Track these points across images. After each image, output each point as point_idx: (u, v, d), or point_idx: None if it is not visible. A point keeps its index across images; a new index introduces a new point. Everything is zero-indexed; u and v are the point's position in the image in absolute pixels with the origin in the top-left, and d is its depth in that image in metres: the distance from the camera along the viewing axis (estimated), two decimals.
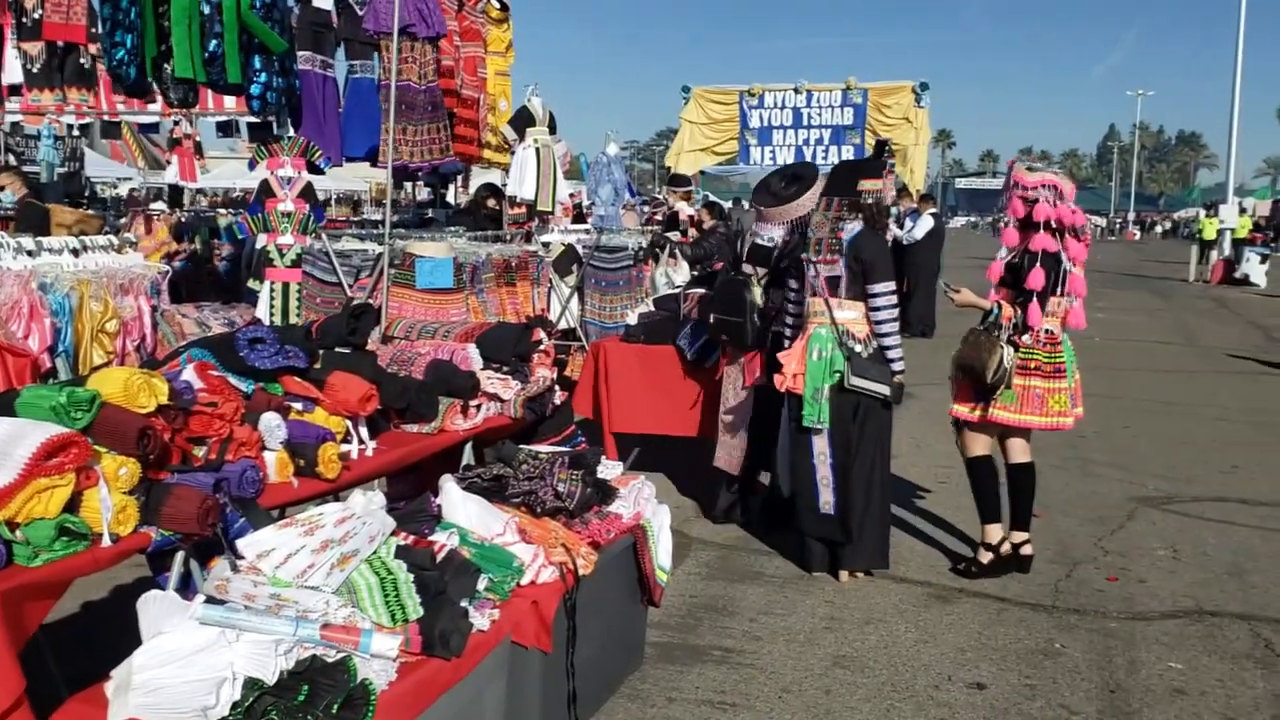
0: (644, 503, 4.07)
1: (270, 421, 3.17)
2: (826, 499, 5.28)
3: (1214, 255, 29.36)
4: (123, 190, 28.02)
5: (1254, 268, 26.93)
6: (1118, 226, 71.66)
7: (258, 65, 7.30)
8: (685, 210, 11.84)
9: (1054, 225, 5.04)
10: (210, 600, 2.64)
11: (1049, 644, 4.62)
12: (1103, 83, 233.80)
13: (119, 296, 5.12)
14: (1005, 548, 5.39)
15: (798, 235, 5.54)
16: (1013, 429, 5.29)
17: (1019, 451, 5.39)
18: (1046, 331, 5.13)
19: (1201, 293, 25.09)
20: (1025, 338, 5.13)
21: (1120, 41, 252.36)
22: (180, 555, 2.84)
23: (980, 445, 5.39)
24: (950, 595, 5.18)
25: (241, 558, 2.76)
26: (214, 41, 6.94)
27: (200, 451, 3.01)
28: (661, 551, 4.11)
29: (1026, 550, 5.44)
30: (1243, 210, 33.78)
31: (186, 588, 2.90)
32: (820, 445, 5.27)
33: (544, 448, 4.05)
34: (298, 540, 2.76)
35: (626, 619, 4.09)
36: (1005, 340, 5.11)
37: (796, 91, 17.24)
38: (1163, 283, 27.99)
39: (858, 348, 5.17)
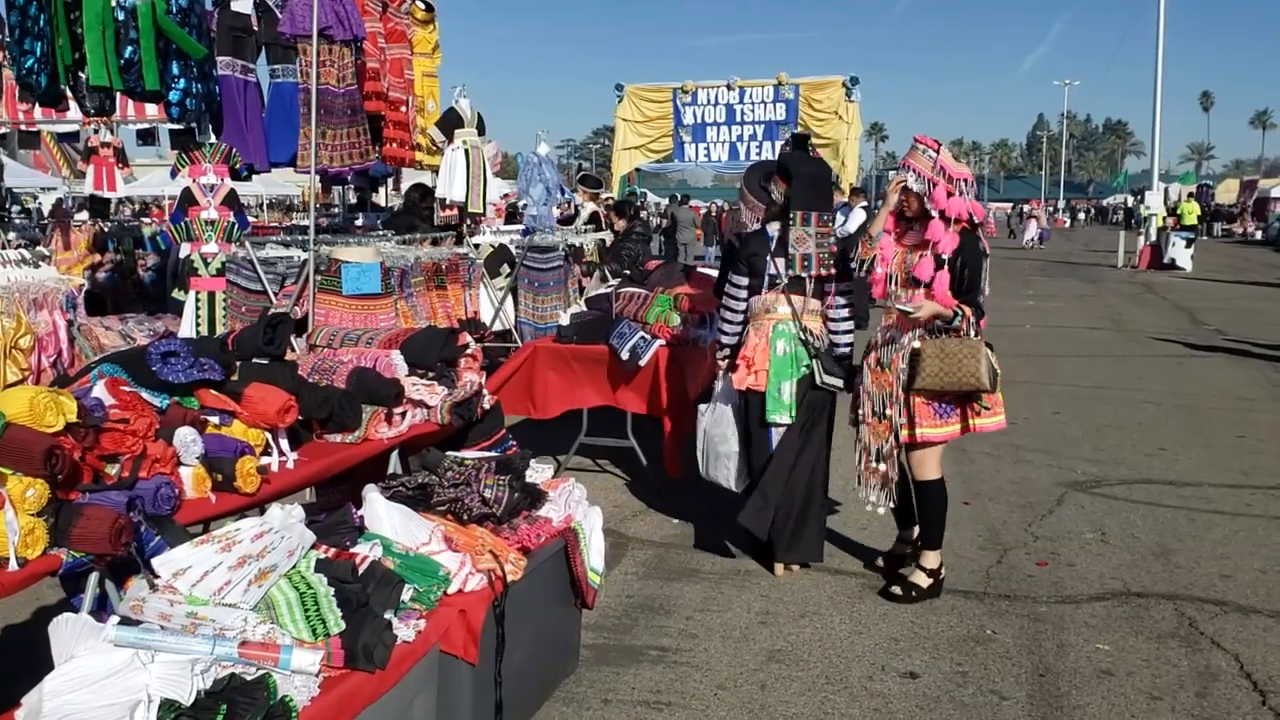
0: (574, 505, 4.05)
1: (185, 436, 3.10)
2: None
3: (1140, 241, 29.96)
4: (46, 200, 27.34)
5: (1180, 252, 27.54)
6: (1048, 214, 72.79)
7: (176, 71, 7.16)
8: (590, 209, 11.94)
9: (974, 221, 4.90)
10: (125, 621, 2.59)
11: (980, 630, 4.69)
12: (1031, 74, 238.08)
13: (32, 312, 4.99)
14: (944, 573, 5.13)
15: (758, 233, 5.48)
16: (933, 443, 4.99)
17: (935, 466, 5.07)
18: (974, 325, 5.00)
19: (1129, 278, 25.58)
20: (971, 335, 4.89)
21: (1048, 33, 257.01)
22: (94, 576, 2.77)
23: (937, 465, 5.06)
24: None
25: (157, 576, 2.71)
26: (130, 48, 6.79)
27: (113, 470, 2.93)
28: (593, 554, 4.10)
29: (941, 574, 5.15)
30: (1191, 196, 34.58)
31: (103, 609, 2.83)
32: (775, 441, 5.34)
33: (471, 453, 4.02)
34: (214, 557, 2.71)
35: (560, 622, 4.07)
36: (983, 341, 4.84)
37: (729, 88, 17.30)
38: (1092, 269, 28.53)
39: (817, 344, 5.26)
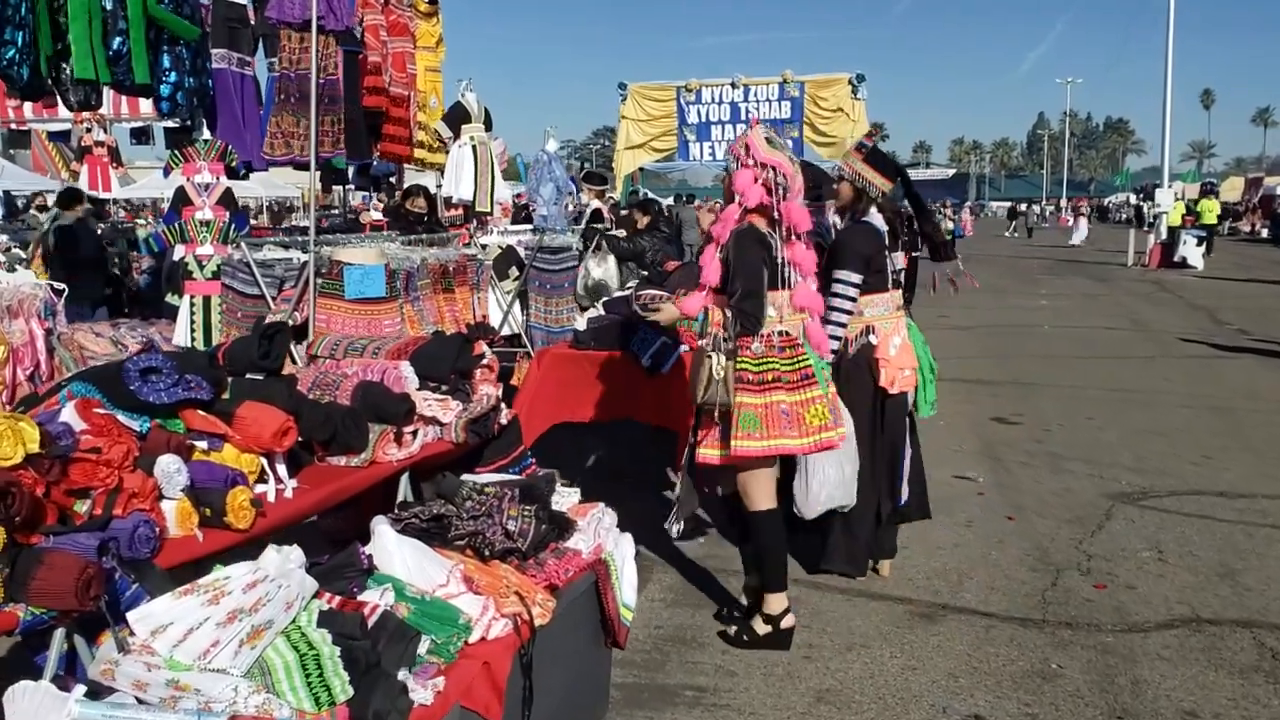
0: (604, 533, 3.64)
1: (168, 465, 2.70)
2: (902, 489, 5.18)
3: (1150, 239, 29.56)
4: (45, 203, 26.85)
5: (1191, 250, 27.15)
6: (1049, 213, 72.38)
7: (167, 64, 6.78)
8: (594, 205, 11.57)
9: (776, 216, 4.18)
10: (93, 690, 2.19)
11: (1045, 664, 4.28)
12: (1032, 73, 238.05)
13: (6, 320, 4.59)
14: (788, 620, 4.42)
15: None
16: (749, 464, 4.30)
17: (764, 495, 4.42)
18: (781, 334, 4.21)
19: (1140, 276, 25.18)
20: (755, 345, 4.17)
21: (1048, 32, 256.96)
22: (58, 635, 2.37)
23: (767, 495, 4.39)
24: (934, 613, 4.82)
25: (132, 635, 2.31)
26: (118, 39, 6.40)
27: (83, 507, 2.53)
28: (625, 587, 3.69)
29: (788, 622, 4.41)
30: (1207, 193, 34.27)
31: (72, 672, 2.44)
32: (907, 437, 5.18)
33: (489, 477, 3.62)
34: (199, 611, 2.31)
35: (589, 665, 3.66)
36: (713, 348, 4.13)
37: (733, 86, 16.99)
38: (1101, 267, 28.10)
39: None
